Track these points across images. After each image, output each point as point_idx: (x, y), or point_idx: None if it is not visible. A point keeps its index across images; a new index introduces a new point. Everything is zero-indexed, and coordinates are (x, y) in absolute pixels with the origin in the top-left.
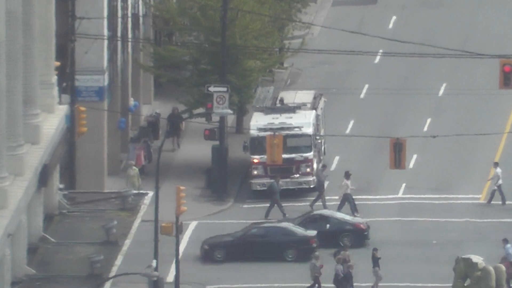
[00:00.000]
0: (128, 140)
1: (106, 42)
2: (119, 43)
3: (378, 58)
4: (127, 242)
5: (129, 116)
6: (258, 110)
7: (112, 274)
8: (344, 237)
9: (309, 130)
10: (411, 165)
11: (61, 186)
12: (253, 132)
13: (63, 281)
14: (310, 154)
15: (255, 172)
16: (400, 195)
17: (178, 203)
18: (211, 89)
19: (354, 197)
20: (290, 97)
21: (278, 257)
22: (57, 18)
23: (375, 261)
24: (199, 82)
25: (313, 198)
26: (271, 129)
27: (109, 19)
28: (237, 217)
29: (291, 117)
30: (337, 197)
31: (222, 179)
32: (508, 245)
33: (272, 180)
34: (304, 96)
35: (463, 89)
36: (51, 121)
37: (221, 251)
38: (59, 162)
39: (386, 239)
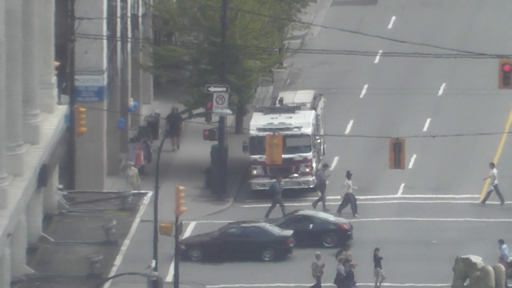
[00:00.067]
0: (127, 140)
1: (105, 42)
2: (118, 43)
3: (377, 58)
4: (127, 242)
5: (129, 116)
6: (257, 110)
7: (112, 274)
8: (328, 237)
9: (309, 130)
10: (410, 165)
11: (61, 186)
12: (253, 132)
13: (62, 281)
14: (309, 154)
15: (255, 172)
16: (399, 195)
17: (178, 203)
18: (211, 89)
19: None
20: (290, 97)
21: (255, 257)
22: (56, 18)
23: (377, 261)
24: (198, 82)
25: (317, 198)
26: (270, 129)
27: (108, 19)
28: (237, 217)
29: (290, 117)
30: (339, 197)
31: (222, 179)
32: (504, 246)
33: (273, 180)
34: (304, 96)
35: (463, 89)
36: (51, 121)
37: (197, 250)
38: (58, 162)
39: (385, 239)
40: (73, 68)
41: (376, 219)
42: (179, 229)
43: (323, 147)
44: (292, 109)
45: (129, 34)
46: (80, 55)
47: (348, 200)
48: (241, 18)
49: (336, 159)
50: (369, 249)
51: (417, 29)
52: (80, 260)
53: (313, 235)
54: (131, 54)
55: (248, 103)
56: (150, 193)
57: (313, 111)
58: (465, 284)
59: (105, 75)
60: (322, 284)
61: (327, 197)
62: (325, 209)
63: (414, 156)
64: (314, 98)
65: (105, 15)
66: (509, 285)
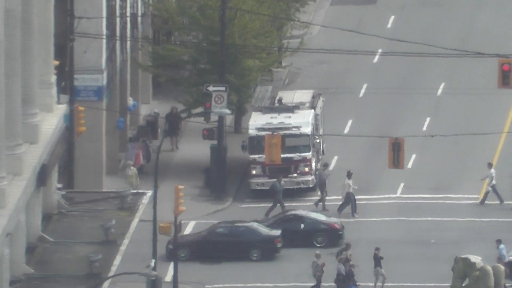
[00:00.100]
0: (126, 139)
1: (105, 41)
2: (118, 42)
3: (377, 57)
4: (126, 241)
5: (128, 116)
6: (256, 109)
7: (111, 273)
8: (319, 237)
9: (308, 129)
10: (409, 165)
11: (60, 185)
12: (252, 131)
13: (61, 280)
14: (308, 154)
15: (254, 172)
16: (398, 194)
17: (177, 203)
18: (210, 88)
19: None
20: (289, 96)
21: (243, 257)
22: (56, 17)
23: (377, 260)
24: (197, 82)
25: (318, 198)
26: (269, 129)
27: (108, 18)
28: (236, 217)
29: (289, 117)
30: (339, 197)
31: (221, 178)
32: (502, 246)
33: (272, 180)
34: (303, 95)
35: (462, 89)
36: (50, 121)
37: (185, 250)
38: (57, 162)
39: (385, 239)
40: (73, 67)
41: (375, 219)
42: (178, 228)
43: (322, 147)
44: (291, 108)
45: (128, 34)
46: (80, 54)
47: (349, 199)
48: (240, 18)
49: (335, 158)
50: (368, 249)
51: (417, 29)
52: (79, 259)
53: (304, 234)
54: (130, 53)
55: (247, 102)
56: (149, 193)
57: (312, 110)
58: (464, 284)
59: (104, 74)
60: (322, 284)
61: (329, 197)
62: (324, 209)
63: (414, 156)
64: (313, 97)
65: (104, 14)
66: (507, 285)
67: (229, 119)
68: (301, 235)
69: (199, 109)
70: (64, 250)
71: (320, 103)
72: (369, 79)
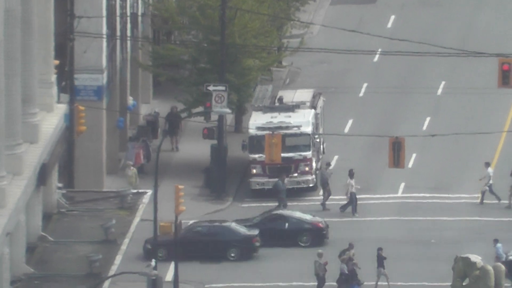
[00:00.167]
0: (127, 139)
1: (105, 41)
2: (118, 42)
3: (377, 57)
4: (126, 241)
5: (128, 115)
6: (257, 109)
7: (111, 273)
8: (303, 236)
9: (308, 129)
10: (410, 164)
11: (60, 185)
12: (252, 131)
13: (61, 280)
14: (309, 153)
15: (254, 171)
16: (399, 194)
17: (177, 202)
18: (210, 88)
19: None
20: (289, 96)
21: (220, 256)
22: (56, 16)
23: (380, 260)
24: (198, 81)
25: (322, 198)
26: (269, 128)
27: (108, 18)
28: (236, 216)
29: (290, 116)
30: (343, 197)
31: (221, 178)
32: (499, 245)
33: (274, 179)
34: (303, 95)
35: (462, 88)
36: (50, 120)
37: (163, 250)
38: (57, 161)
39: (385, 238)
40: (73, 67)
41: (376, 218)
42: (178, 228)
43: (323, 146)
44: (291, 108)
45: (128, 33)
46: (80, 54)
47: (352, 199)
48: (240, 17)
49: (335, 158)
50: (368, 249)
51: (417, 28)
52: (80, 259)
53: (288, 234)
54: (131, 53)
55: (247, 102)
56: (150, 192)
57: (313, 110)
58: (464, 284)
59: (105, 74)
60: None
61: (333, 197)
62: (325, 208)
63: (414, 155)
64: (314, 97)
65: (104, 13)
66: (506, 284)
67: (229, 119)
68: (286, 234)
69: (199, 109)
70: (64, 249)
71: (320, 103)
72: (369, 78)
